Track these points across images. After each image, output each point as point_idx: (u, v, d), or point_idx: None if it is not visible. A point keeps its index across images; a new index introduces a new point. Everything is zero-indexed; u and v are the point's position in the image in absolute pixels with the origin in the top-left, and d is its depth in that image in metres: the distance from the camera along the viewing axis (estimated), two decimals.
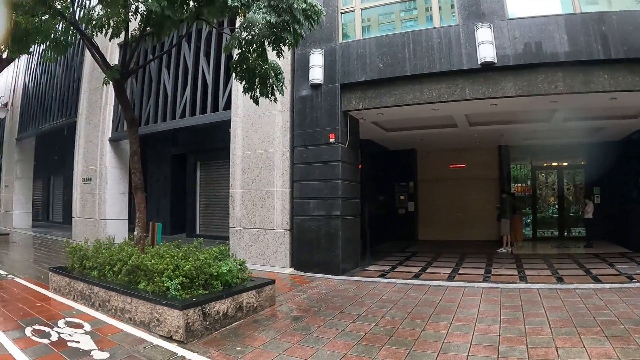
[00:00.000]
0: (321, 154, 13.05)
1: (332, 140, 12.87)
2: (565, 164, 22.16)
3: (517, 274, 12.65)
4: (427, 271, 13.45)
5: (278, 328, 7.62)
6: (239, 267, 8.68)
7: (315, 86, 13.31)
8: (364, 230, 15.27)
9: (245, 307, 8.20)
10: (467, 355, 6.20)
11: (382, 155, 22.09)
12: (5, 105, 25.80)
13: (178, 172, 21.30)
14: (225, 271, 8.05)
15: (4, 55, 18.86)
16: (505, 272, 12.98)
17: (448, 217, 22.01)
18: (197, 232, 20.50)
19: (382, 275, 12.64)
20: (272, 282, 9.22)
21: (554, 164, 22.31)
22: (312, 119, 13.37)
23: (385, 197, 22.50)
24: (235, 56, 9.32)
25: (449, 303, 9.25)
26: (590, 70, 11.08)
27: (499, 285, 10.96)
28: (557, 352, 6.23)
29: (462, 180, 22.09)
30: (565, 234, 21.50)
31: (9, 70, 29.37)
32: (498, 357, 6.12)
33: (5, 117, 26.51)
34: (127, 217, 20.05)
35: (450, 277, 12.34)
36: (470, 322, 7.83)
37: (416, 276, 12.57)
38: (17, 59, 26.40)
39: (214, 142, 17.74)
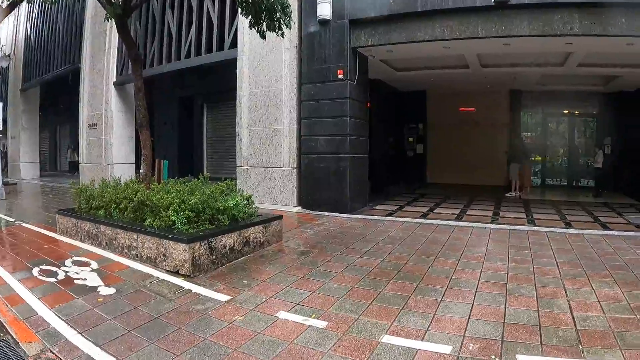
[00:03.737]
0: (329, 91, 12.86)
1: (340, 76, 12.66)
2: (577, 112, 21.83)
3: (525, 217, 12.60)
4: (434, 211, 13.42)
5: (285, 262, 7.60)
6: (246, 201, 8.62)
7: (324, 22, 12.98)
8: (372, 171, 15.22)
9: (252, 242, 8.16)
10: (475, 292, 6.15)
11: (392, 97, 21.67)
12: (8, 55, 25.45)
13: (185, 114, 21.10)
14: (231, 205, 7.98)
15: (4, 4, 18.58)
16: (513, 214, 12.94)
17: (457, 161, 21.87)
18: (205, 174, 20.23)
19: (389, 214, 12.60)
20: (279, 217, 9.18)
21: (566, 111, 21.98)
22: (320, 55, 13.12)
23: (394, 139, 22.28)
24: None
25: (456, 241, 9.21)
26: (608, 13, 10.73)
27: (507, 227, 10.91)
28: (566, 292, 6.17)
29: (472, 124, 21.86)
30: (574, 183, 21.42)
31: (10, 19, 28.97)
32: (506, 294, 6.06)
33: (8, 67, 26.18)
34: (134, 162, 20.10)
35: (458, 218, 12.27)
36: (479, 260, 7.78)
37: (424, 216, 12.55)
38: (17, 8, 26.01)
39: (220, 84, 17.48)
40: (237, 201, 8.20)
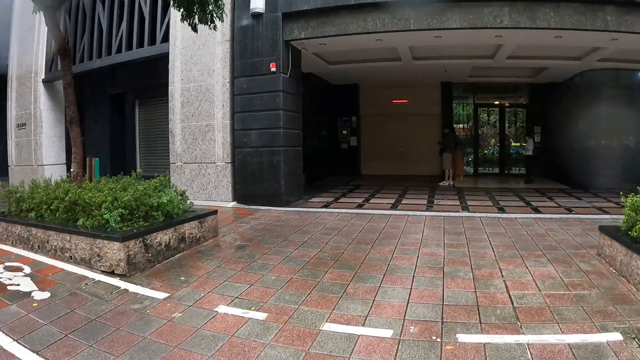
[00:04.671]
0: (262, 84, 12.78)
1: (273, 69, 12.59)
2: (507, 103, 22.45)
3: (459, 204, 12.86)
4: (370, 202, 13.54)
5: (222, 257, 7.53)
6: (180, 197, 8.50)
7: (257, 15, 12.88)
8: (307, 164, 15.21)
9: (188, 238, 8.05)
10: (413, 276, 6.23)
11: (325, 90, 21.59)
12: None
13: (117, 112, 20.58)
14: (165, 201, 7.83)
15: None
16: (447, 202, 13.17)
17: (391, 152, 22.19)
18: (137, 171, 19.88)
19: (325, 206, 12.64)
20: (214, 212, 9.07)
21: (496, 102, 22.53)
22: (253, 49, 13.02)
23: (327, 132, 22.31)
24: None
25: (393, 230, 9.29)
26: (537, 7, 11.04)
27: (442, 213, 11.11)
28: (501, 272, 6.34)
29: (405, 116, 22.16)
30: (506, 171, 22.04)
31: None
32: (444, 277, 6.16)
33: None
34: (65, 162, 19.40)
35: (394, 207, 12.40)
36: (415, 246, 7.88)
37: (359, 206, 12.64)
38: None
39: (152, 79, 17.12)
40: (171, 197, 8.06)
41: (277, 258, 7.34)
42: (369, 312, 5.09)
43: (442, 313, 4.99)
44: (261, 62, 12.83)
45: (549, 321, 4.71)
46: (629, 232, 6.11)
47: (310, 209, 12.13)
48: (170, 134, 14.47)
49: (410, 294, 5.57)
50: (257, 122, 12.84)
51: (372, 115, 22.57)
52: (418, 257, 7.22)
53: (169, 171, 14.27)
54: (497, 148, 22.55)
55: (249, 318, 5.02)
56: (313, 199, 13.91)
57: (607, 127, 16.76)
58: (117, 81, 19.22)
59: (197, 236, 8.32)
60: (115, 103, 19.74)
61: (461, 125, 22.74)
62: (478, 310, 5.05)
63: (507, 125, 22.58)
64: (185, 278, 6.44)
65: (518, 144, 21.97)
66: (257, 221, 10.58)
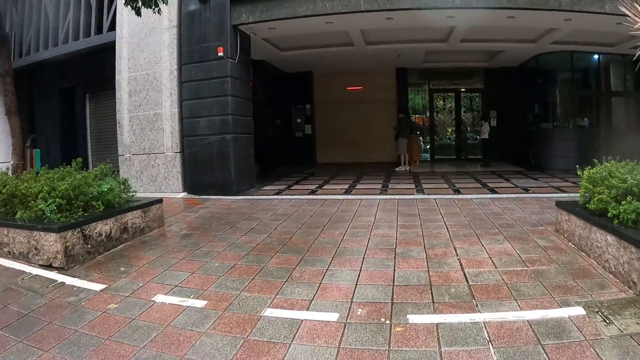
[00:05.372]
0: (210, 70, 12.42)
1: (220, 54, 12.24)
2: (463, 88, 22.47)
3: (414, 187, 12.73)
4: (323, 188, 13.33)
5: (166, 246, 7.21)
6: (122, 186, 8.13)
7: (204, 0, 12.55)
8: (261, 153, 15.08)
9: (131, 228, 7.69)
10: (363, 258, 6.00)
11: (279, 78, 21.25)
12: None
13: (67, 106, 20.09)
14: (105, 190, 7.48)
15: None
16: (402, 185, 13.05)
17: (347, 140, 21.93)
18: (91, 167, 19.53)
19: (277, 193, 12.37)
20: (159, 201, 8.69)
21: (452, 87, 22.49)
22: (201, 34, 12.65)
23: (282, 121, 22.02)
24: None
25: (344, 213, 9.06)
26: None
27: (396, 196, 10.94)
28: (456, 251, 6.17)
29: (360, 103, 21.91)
30: (463, 156, 22.04)
31: None
32: (395, 258, 5.94)
33: None
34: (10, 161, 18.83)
35: (347, 192, 12.20)
36: (367, 228, 7.67)
37: (312, 192, 12.42)
38: None
39: (101, 72, 16.59)
40: (111, 185, 7.69)
41: (222, 245, 7.05)
42: (314, 295, 4.84)
43: (393, 294, 4.76)
44: (209, 48, 12.46)
45: (507, 298, 4.51)
46: (587, 205, 5.97)
47: (262, 197, 11.84)
48: (118, 125, 14.04)
49: (359, 276, 5.34)
50: (206, 110, 12.47)
51: (327, 102, 22.27)
52: (369, 239, 6.99)
53: (118, 163, 13.90)
54: (454, 133, 22.57)
55: (187, 306, 4.75)
56: (266, 187, 13.59)
57: (562, 109, 17.06)
58: (67, 75, 18.74)
59: (141, 226, 7.95)
60: (65, 97, 19.24)
61: (417, 112, 22.71)
62: (431, 289, 4.83)
63: (463, 110, 22.62)
64: (126, 269, 6.11)
65: (474, 129, 22.02)
66: (205, 210, 10.26)
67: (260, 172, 15.18)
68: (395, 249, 6.40)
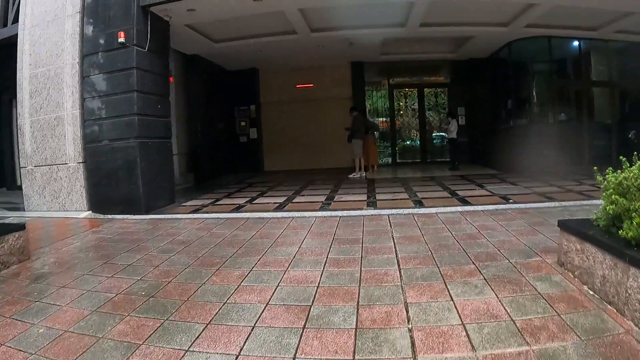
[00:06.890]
0: (114, 61, 10.26)
1: (121, 40, 10.03)
2: (426, 83, 20.90)
3: (365, 199, 10.68)
4: (255, 202, 11.20)
5: (5, 293, 5.04)
6: None
7: None
8: (197, 161, 13.99)
9: None
10: (253, 328, 3.73)
11: (220, 77, 19.34)
12: None
13: None
14: None
15: None
16: (351, 197, 10.95)
17: (297, 144, 20.23)
18: (19, 182, 17.12)
19: (196, 211, 10.17)
20: (21, 227, 6.49)
21: (415, 82, 20.89)
22: (105, 19, 10.49)
23: (224, 124, 19.94)
24: None
25: (262, 240, 6.87)
26: None
27: (339, 213, 8.79)
28: (407, 312, 3.87)
29: (311, 102, 20.21)
30: (429, 159, 20.62)
31: None
32: (303, 330, 3.68)
33: None
34: None
35: (281, 207, 10.07)
36: (281, 266, 5.39)
37: (238, 208, 10.26)
38: None
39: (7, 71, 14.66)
40: None
41: (72, 294, 4.84)
42: None
43: None
44: (112, 35, 10.28)
45: None
46: (619, 231, 3.67)
47: (174, 216, 9.68)
48: (19, 131, 11.82)
49: None
50: (110, 109, 10.28)
51: (274, 102, 20.47)
52: (278, 286, 4.69)
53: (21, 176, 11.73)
54: (417, 133, 20.97)
55: None
56: (188, 203, 11.42)
57: (540, 103, 15.87)
58: None
59: None
60: None
61: (376, 113, 21.07)
62: None
63: (427, 106, 21.02)
64: None
65: (440, 128, 20.60)
66: (95, 235, 8.05)
67: (195, 183, 13.30)
68: (310, 307, 4.10)
